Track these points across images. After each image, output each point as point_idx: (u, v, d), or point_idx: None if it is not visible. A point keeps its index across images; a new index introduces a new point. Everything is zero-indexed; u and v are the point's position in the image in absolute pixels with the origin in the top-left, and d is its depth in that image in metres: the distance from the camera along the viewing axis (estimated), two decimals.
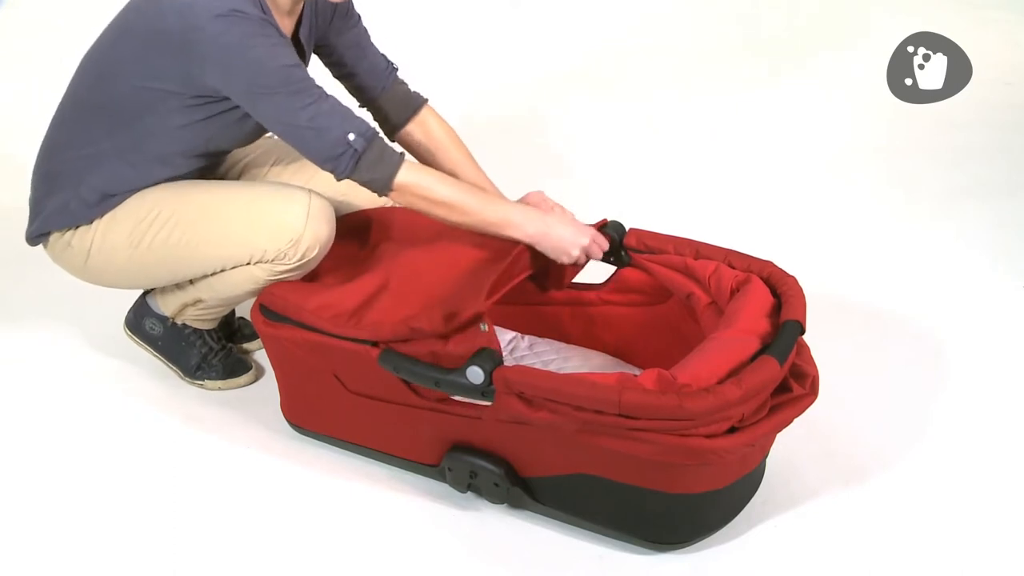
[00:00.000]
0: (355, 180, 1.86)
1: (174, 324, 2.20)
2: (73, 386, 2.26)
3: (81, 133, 1.99)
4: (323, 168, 1.85)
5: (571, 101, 3.58)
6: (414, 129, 2.11)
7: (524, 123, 3.44)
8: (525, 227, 1.89)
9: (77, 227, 2.03)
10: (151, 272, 2.04)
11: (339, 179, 1.86)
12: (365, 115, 2.04)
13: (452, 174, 2.04)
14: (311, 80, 1.84)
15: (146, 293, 2.24)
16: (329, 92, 1.86)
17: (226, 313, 2.22)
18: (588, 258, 1.96)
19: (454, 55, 3.89)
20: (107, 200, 1.99)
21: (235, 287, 2.01)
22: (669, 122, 3.41)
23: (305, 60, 2.04)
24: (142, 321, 2.24)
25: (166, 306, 2.18)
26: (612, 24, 4.13)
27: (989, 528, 1.82)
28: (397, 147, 1.95)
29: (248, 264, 1.95)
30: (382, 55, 2.13)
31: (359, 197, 2.13)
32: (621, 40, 4.01)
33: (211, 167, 2.10)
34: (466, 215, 1.89)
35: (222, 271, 1.99)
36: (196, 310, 2.15)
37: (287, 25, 1.94)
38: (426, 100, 2.14)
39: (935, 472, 1.94)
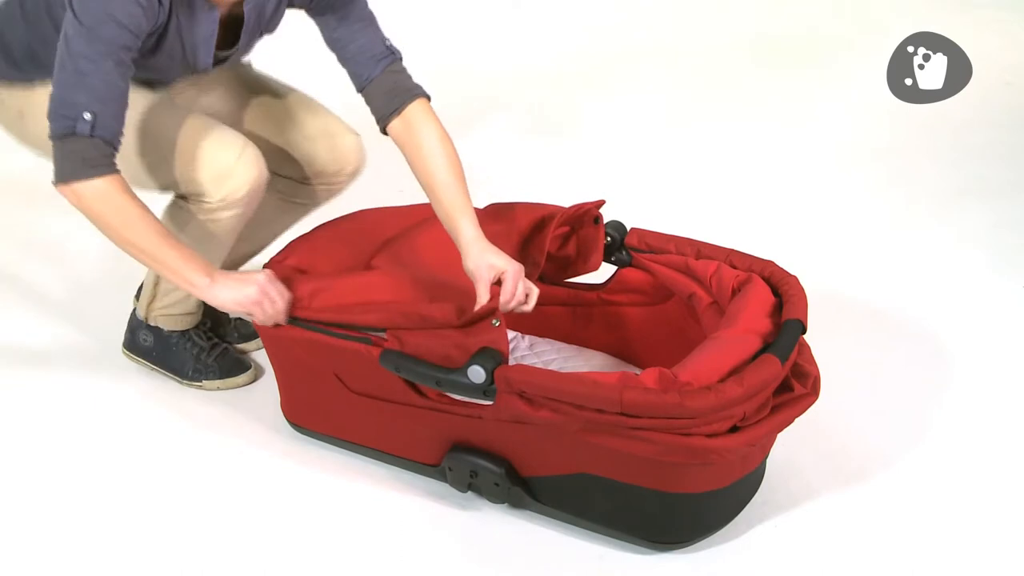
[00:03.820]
0: (53, 153, 1.71)
1: (160, 330, 2.21)
2: (73, 386, 2.26)
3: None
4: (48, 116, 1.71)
5: (572, 100, 3.58)
6: (398, 125, 1.94)
7: (525, 121, 3.44)
8: (192, 282, 1.77)
9: (12, 83, 1.95)
10: None
11: (48, 137, 1.71)
12: None
13: (426, 180, 1.91)
14: (118, 47, 1.69)
15: (135, 308, 2.25)
16: (127, 79, 1.72)
17: (192, 308, 2.20)
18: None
19: (455, 53, 3.89)
20: (41, 66, 1.89)
21: (175, 221, 2.00)
22: (670, 122, 3.41)
23: (256, 30, 1.96)
24: (136, 336, 2.25)
25: (140, 307, 2.21)
26: (613, 24, 4.13)
27: (989, 528, 1.82)
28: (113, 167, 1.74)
29: (171, 194, 1.94)
30: (382, 40, 1.96)
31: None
32: (621, 40, 4.01)
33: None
34: (137, 251, 1.77)
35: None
36: (162, 302, 2.16)
37: None
38: (420, 95, 1.95)
39: (935, 472, 1.94)
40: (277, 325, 1.83)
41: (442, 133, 1.93)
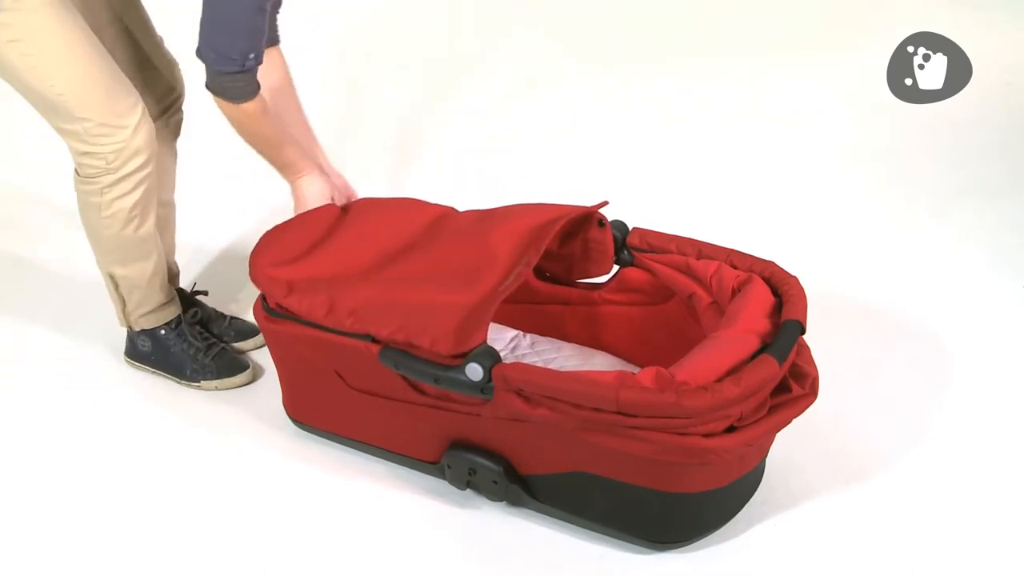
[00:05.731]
0: (219, 90, 1.93)
1: (155, 333, 2.22)
2: (74, 385, 2.27)
3: None
4: (200, 53, 1.89)
5: (572, 99, 3.58)
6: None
7: (524, 120, 3.43)
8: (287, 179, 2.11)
9: None
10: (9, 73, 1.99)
11: (209, 80, 1.92)
12: None
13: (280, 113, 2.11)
14: None
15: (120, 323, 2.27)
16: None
17: (162, 296, 2.21)
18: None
19: (454, 51, 3.89)
20: None
21: (89, 221, 2.07)
22: (670, 122, 3.41)
23: None
24: (135, 343, 2.27)
25: (121, 319, 2.23)
26: (613, 22, 4.13)
27: (989, 528, 1.83)
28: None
29: (64, 132, 1.97)
30: None
31: None
32: (622, 38, 4.00)
33: None
34: (264, 150, 2.06)
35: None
36: (132, 304, 2.18)
37: None
38: (278, 41, 2.14)
39: (935, 472, 1.94)
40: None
41: (290, 81, 2.18)
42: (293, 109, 2.19)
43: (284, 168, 2.10)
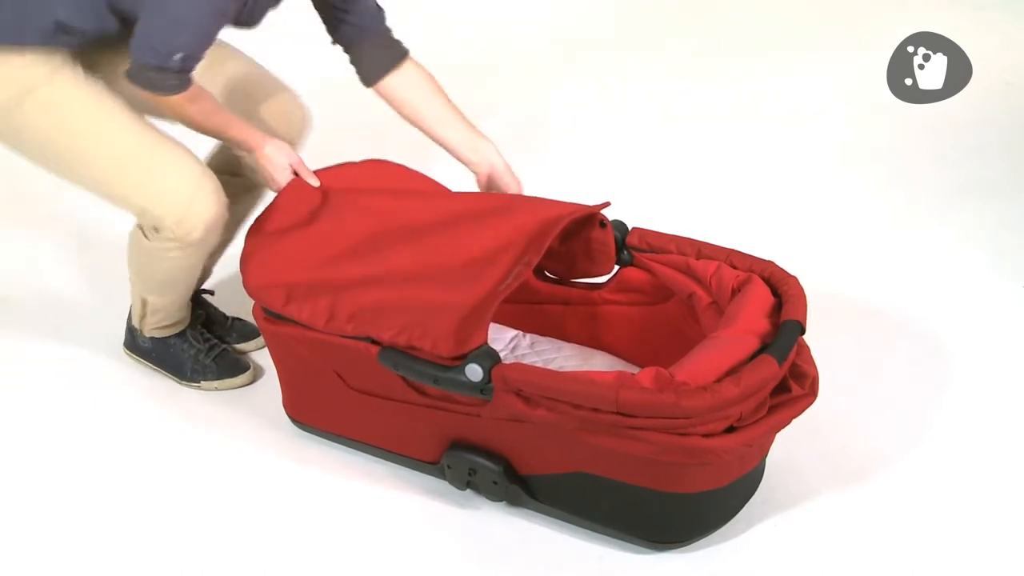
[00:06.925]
0: (137, 78, 1.83)
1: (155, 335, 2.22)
2: (74, 385, 2.27)
3: None
4: (131, 47, 1.80)
5: (573, 98, 3.58)
6: (393, 83, 2.10)
7: (525, 119, 3.44)
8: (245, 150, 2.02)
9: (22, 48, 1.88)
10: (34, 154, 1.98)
11: (130, 70, 1.82)
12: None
13: (431, 126, 2.12)
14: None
15: (131, 316, 2.26)
16: (221, 29, 1.85)
17: (183, 313, 2.21)
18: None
19: (453, 49, 3.89)
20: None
21: (140, 262, 2.06)
22: (670, 122, 3.41)
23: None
24: (135, 337, 2.26)
25: (135, 318, 2.22)
26: (612, 22, 4.13)
27: (989, 528, 1.83)
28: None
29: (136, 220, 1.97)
30: None
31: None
32: (621, 38, 4.01)
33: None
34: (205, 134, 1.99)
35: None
36: (151, 320, 2.18)
37: None
38: (407, 52, 2.11)
39: (935, 472, 1.94)
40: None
41: (434, 86, 2.14)
42: (445, 121, 2.14)
43: (234, 146, 2.03)
